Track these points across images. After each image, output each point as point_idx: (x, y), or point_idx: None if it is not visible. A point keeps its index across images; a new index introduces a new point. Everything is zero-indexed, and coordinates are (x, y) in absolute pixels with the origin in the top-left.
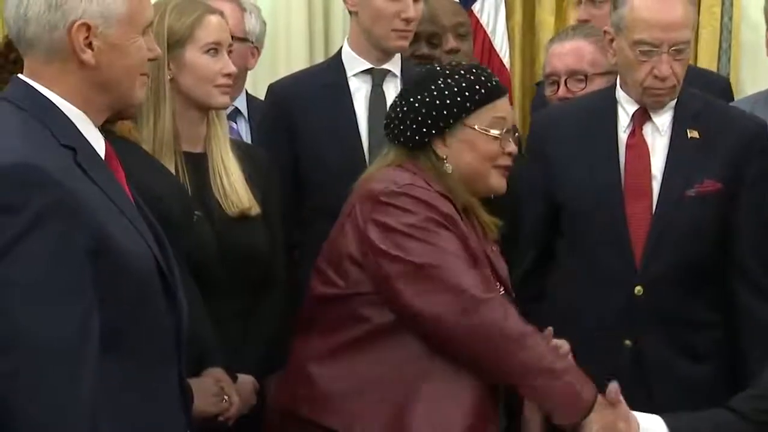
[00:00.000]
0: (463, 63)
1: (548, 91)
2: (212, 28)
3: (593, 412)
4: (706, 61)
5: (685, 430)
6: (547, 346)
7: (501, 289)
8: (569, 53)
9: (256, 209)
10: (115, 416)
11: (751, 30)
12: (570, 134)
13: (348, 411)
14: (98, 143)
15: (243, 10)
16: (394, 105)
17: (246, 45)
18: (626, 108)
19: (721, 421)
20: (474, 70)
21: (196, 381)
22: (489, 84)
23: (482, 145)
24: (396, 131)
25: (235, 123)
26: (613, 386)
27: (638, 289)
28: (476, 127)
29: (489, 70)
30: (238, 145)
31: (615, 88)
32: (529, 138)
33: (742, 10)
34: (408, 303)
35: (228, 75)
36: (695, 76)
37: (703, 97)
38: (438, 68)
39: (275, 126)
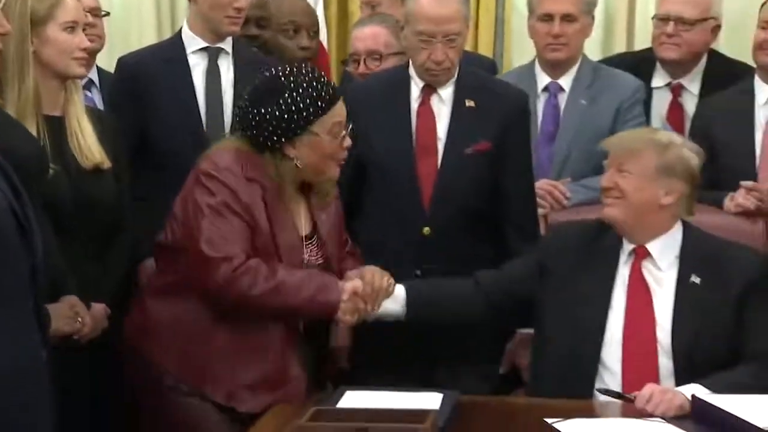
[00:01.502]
0: (304, 72)
1: (351, 68)
2: (70, 8)
3: (344, 303)
4: (485, 45)
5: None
6: (295, 286)
7: (312, 252)
8: (368, 37)
9: (107, 164)
10: None
11: (520, 19)
12: (372, 103)
13: (156, 343)
14: None
15: None
16: (245, 109)
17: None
18: (417, 82)
19: (463, 293)
20: (315, 83)
21: (53, 306)
22: (328, 94)
23: (326, 147)
24: (249, 133)
25: (89, 92)
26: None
27: (426, 230)
28: (320, 134)
29: (326, 79)
30: (91, 111)
31: (408, 65)
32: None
33: (513, 3)
34: (189, 268)
35: (84, 49)
36: (469, 58)
37: (480, 73)
38: (283, 79)
39: (124, 94)
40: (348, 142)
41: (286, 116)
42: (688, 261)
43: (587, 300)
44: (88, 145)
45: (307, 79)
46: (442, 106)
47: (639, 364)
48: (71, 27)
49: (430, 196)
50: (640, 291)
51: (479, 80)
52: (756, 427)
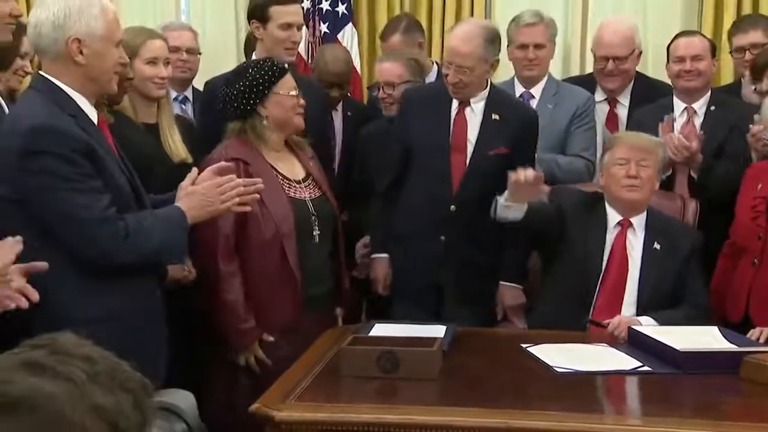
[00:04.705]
0: (257, 60)
1: (375, 93)
2: (152, 47)
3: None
4: None
5: None
6: None
7: (310, 189)
8: (386, 70)
9: (190, 159)
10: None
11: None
12: (422, 104)
13: None
14: (92, 114)
15: (195, 34)
16: (223, 95)
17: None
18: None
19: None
20: (265, 63)
21: None
22: (276, 69)
23: (286, 102)
24: (232, 110)
25: (184, 105)
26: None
27: (453, 207)
28: (281, 92)
29: (272, 61)
30: (180, 119)
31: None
32: (401, 107)
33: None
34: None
35: (162, 78)
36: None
37: (505, 93)
38: (244, 65)
39: (211, 107)
40: (302, 101)
41: (254, 84)
42: (651, 231)
43: (588, 254)
44: (177, 145)
45: (260, 62)
46: (474, 116)
47: (609, 306)
48: (152, 62)
49: (459, 182)
50: (620, 252)
51: (505, 99)
52: (674, 348)
